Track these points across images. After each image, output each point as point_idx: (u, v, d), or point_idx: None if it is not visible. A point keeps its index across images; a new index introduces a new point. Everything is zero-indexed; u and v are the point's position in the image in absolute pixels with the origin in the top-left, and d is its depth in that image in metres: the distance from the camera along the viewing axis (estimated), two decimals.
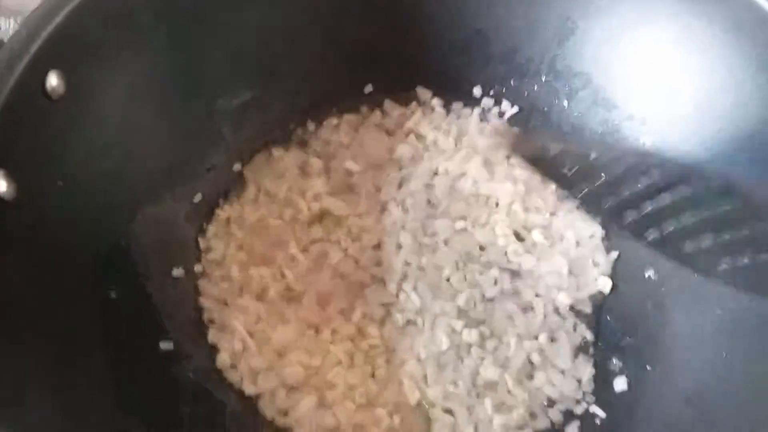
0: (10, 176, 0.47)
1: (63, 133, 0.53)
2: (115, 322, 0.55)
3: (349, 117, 0.75)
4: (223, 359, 0.61)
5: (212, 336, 0.62)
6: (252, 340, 0.62)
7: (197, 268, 0.65)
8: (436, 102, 0.75)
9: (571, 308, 0.65)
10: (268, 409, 0.60)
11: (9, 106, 0.48)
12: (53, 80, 0.51)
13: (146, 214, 0.62)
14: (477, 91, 0.75)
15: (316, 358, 0.61)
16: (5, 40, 0.51)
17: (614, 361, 0.62)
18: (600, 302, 0.66)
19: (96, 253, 0.56)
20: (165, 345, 0.58)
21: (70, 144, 0.54)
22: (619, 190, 0.64)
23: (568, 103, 0.72)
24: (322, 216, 0.69)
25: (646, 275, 0.65)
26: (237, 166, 0.70)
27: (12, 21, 0.69)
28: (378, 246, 0.67)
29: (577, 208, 0.69)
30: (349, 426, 0.59)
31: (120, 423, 0.50)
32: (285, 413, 0.60)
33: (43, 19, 0.51)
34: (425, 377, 0.61)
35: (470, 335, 0.62)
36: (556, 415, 0.60)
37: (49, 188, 0.52)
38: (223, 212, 0.68)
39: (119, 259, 0.58)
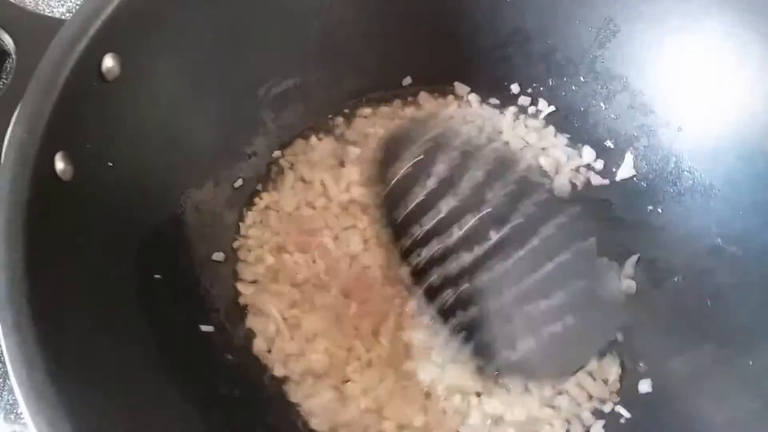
0: (68, 158, 0.48)
1: (115, 115, 0.54)
2: (158, 303, 0.56)
3: (385, 108, 0.75)
4: (258, 344, 0.62)
5: (250, 320, 0.63)
6: (285, 325, 0.63)
7: (236, 252, 0.66)
8: (473, 97, 0.76)
9: None
10: (293, 394, 0.61)
11: (68, 87, 0.48)
12: (109, 62, 0.51)
13: (190, 198, 0.63)
14: (515, 88, 0.75)
15: (341, 349, 0.62)
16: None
17: (640, 363, 0.63)
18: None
19: (141, 235, 0.57)
20: (206, 327, 0.60)
21: (121, 126, 0.54)
22: None
23: (605, 105, 0.73)
24: (349, 205, 0.70)
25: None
26: (276, 153, 0.71)
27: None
28: None
29: None
30: (360, 427, 0.60)
31: (162, 398, 0.52)
32: (308, 398, 0.61)
33: (101, 2, 0.51)
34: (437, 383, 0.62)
35: None
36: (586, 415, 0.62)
37: (100, 170, 0.53)
38: (261, 198, 0.69)
39: (163, 242, 0.59)
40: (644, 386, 0.62)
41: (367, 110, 0.75)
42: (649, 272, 0.67)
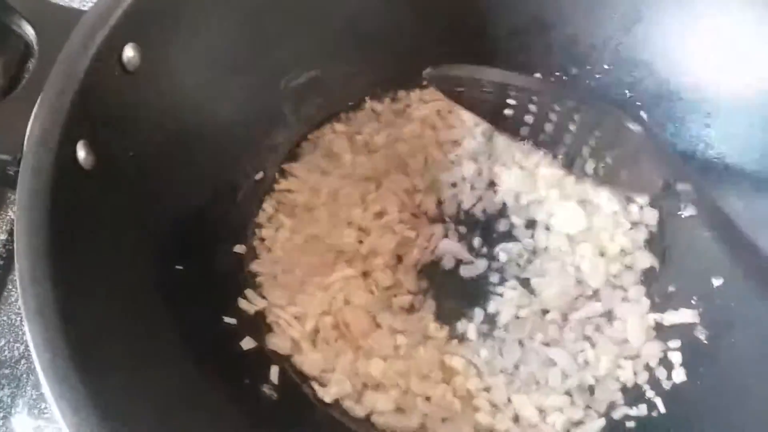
0: (90, 146, 0.48)
1: (137, 105, 0.54)
2: (180, 294, 0.55)
3: (404, 100, 0.74)
4: (271, 338, 0.62)
5: (269, 315, 0.63)
6: (296, 320, 0.62)
7: (255, 245, 0.66)
8: None
9: None
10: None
11: (89, 77, 0.48)
12: (130, 52, 0.51)
13: (211, 189, 0.63)
14: (537, 77, 0.74)
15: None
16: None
17: (675, 352, 0.62)
18: None
19: (162, 225, 0.57)
20: (229, 319, 0.60)
21: (142, 116, 0.54)
22: None
23: (630, 93, 0.71)
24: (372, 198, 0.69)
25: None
26: (296, 145, 0.70)
27: None
28: None
29: None
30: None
31: (186, 387, 0.51)
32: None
33: None
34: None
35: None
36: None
37: (121, 159, 0.53)
38: (279, 192, 0.68)
39: (184, 233, 0.59)
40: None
41: (388, 101, 0.74)
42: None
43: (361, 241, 0.66)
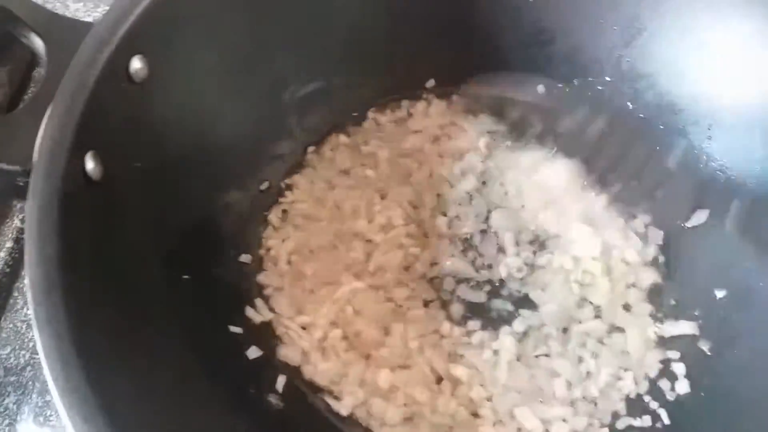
0: (98, 157, 0.49)
1: (144, 116, 0.54)
2: (187, 304, 0.56)
3: (407, 110, 0.75)
4: (282, 349, 0.62)
5: (275, 324, 0.63)
6: (305, 330, 0.62)
7: (262, 254, 0.66)
8: None
9: None
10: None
11: (97, 89, 0.49)
12: (137, 64, 0.52)
13: (217, 200, 0.63)
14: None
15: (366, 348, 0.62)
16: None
17: (679, 363, 0.62)
18: None
19: (170, 236, 0.57)
20: (234, 328, 0.60)
21: (149, 127, 0.55)
22: None
23: (632, 105, 0.72)
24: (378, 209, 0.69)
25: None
26: (300, 156, 0.71)
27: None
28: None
29: None
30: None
31: (194, 396, 0.52)
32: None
33: (131, 3, 0.52)
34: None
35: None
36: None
37: (129, 170, 0.53)
38: (284, 202, 0.69)
39: (191, 243, 0.59)
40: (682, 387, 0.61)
41: (391, 112, 0.75)
42: None
43: (368, 254, 0.66)
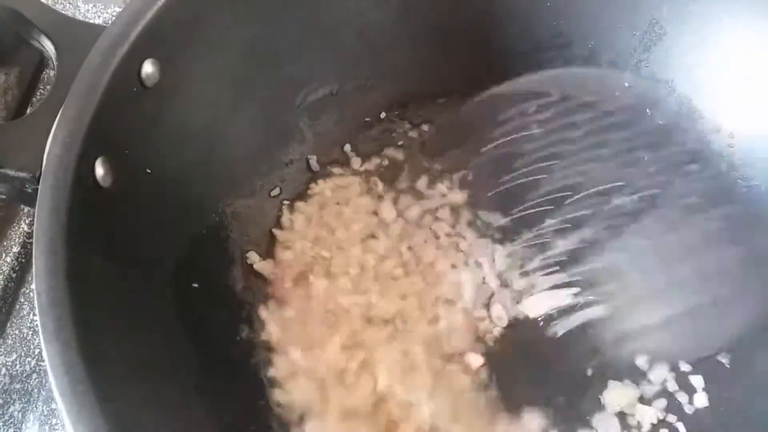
0: (108, 163, 0.48)
1: (154, 121, 0.53)
2: (196, 313, 0.55)
3: (421, 115, 0.74)
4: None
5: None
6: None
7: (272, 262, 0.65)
8: None
9: None
10: None
11: (108, 93, 0.48)
12: (148, 68, 0.51)
13: (228, 206, 0.62)
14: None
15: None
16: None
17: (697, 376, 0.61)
18: None
19: (179, 243, 0.56)
20: (245, 335, 0.59)
21: (159, 132, 0.54)
22: None
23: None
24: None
25: None
26: (312, 162, 0.70)
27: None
28: None
29: None
30: None
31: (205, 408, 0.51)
32: None
33: (143, 6, 0.51)
34: None
35: None
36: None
37: (139, 177, 0.52)
38: (295, 209, 0.68)
39: (201, 250, 0.58)
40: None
41: (403, 121, 0.74)
42: None
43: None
